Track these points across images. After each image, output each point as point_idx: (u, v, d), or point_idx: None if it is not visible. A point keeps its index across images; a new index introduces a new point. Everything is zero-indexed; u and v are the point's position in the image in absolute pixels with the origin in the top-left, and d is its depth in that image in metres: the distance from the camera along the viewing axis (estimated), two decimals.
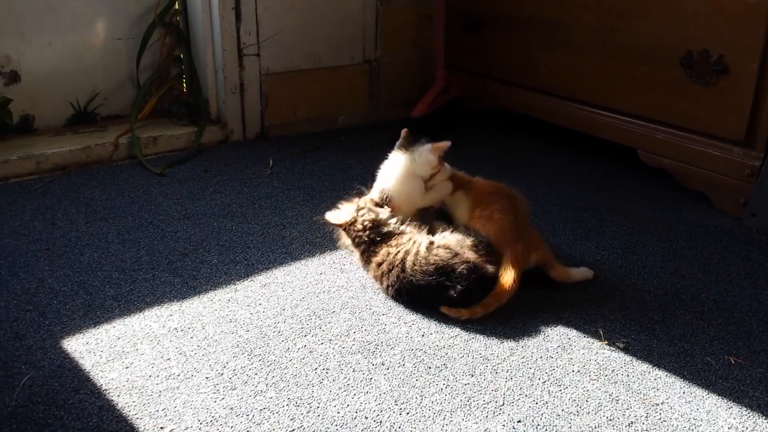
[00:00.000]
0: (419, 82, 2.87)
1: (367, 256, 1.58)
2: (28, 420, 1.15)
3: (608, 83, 2.28)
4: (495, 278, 1.49)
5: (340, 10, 2.67)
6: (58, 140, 2.29)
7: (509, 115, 2.74)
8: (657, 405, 1.23)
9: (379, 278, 1.53)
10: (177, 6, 2.51)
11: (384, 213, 1.62)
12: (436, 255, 1.47)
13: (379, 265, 1.53)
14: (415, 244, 1.51)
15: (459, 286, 1.44)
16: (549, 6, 2.41)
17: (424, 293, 1.47)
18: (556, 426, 1.17)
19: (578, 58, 2.35)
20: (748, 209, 1.94)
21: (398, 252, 1.51)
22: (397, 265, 1.49)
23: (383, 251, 1.54)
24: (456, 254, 1.47)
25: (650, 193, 2.18)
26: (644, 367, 1.33)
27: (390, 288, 1.51)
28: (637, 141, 2.23)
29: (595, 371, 1.31)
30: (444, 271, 1.45)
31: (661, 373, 1.31)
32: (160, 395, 1.21)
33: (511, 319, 1.47)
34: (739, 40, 1.90)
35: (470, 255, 1.48)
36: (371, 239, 1.57)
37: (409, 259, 1.48)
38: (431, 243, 1.51)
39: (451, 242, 1.51)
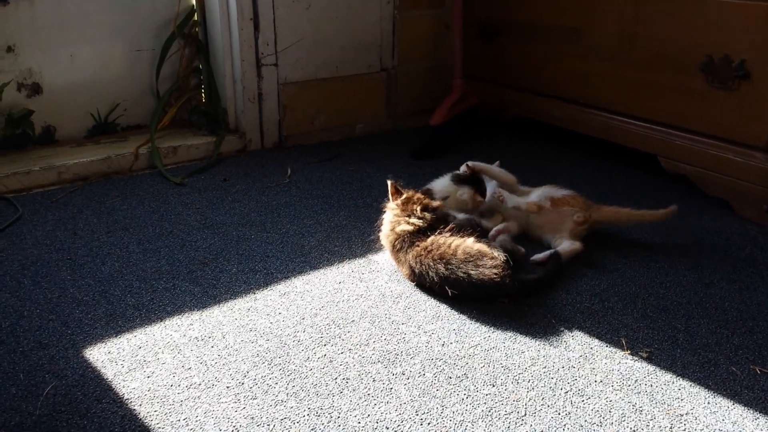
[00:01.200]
0: (436, 90, 2.87)
1: (412, 241, 1.62)
2: (51, 429, 1.15)
3: (628, 89, 2.26)
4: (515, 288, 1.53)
5: (358, 20, 2.68)
6: (80, 151, 2.32)
7: (528, 123, 2.73)
8: (681, 416, 1.21)
9: (420, 259, 1.57)
10: (196, 17, 2.54)
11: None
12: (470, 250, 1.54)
13: (426, 248, 1.57)
14: (461, 241, 1.57)
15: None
16: (567, 13, 2.40)
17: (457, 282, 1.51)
18: None
19: (597, 65, 2.34)
20: None
21: (444, 242, 1.57)
22: (441, 251, 1.55)
23: (430, 239, 1.59)
24: (485, 255, 1.53)
25: (671, 200, 2.14)
26: (668, 377, 1.31)
27: (428, 272, 1.55)
28: (657, 147, 2.21)
29: (618, 381, 1.30)
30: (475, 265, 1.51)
31: (685, 383, 1.30)
32: (181, 404, 1.22)
33: (532, 328, 1.46)
34: (761, 44, 1.88)
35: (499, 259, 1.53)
36: (428, 226, 1.63)
37: (459, 247, 1.55)
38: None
39: (484, 247, 1.56)
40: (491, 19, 2.70)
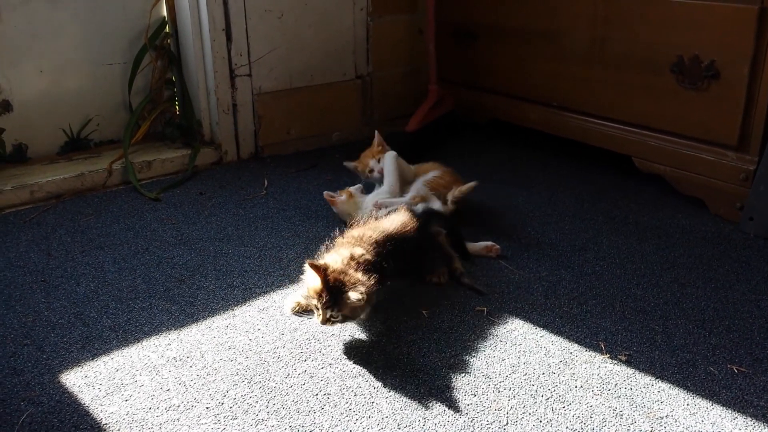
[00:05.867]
0: (412, 96, 2.87)
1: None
2: None
3: (602, 92, 2.28)
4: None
5: (331, 27, 2.67)
6: (52, 168, 2.28)
7: (504, 127, 2.74)
8: (661, 418, 1.22)
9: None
10: (167, 29, 2.51)
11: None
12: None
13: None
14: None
15: None
16: (540, 17, 2.42)
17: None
18: None
19: (571, 68, 2.36)
20: (745, 213, 1.93)
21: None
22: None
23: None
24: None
25: (647, 200, 2.18)
26: (647, 379, 1.32)
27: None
28: (631, 148, 2.23)
29: (598, 386, 1.31)
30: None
31: (664, 386, 1.31)
32: (160, 428, 1.20)
33: (511, 334, 1.46)
34: (729, 44, 1.90)
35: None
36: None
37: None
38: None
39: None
40: (465, 23, 2.70)
